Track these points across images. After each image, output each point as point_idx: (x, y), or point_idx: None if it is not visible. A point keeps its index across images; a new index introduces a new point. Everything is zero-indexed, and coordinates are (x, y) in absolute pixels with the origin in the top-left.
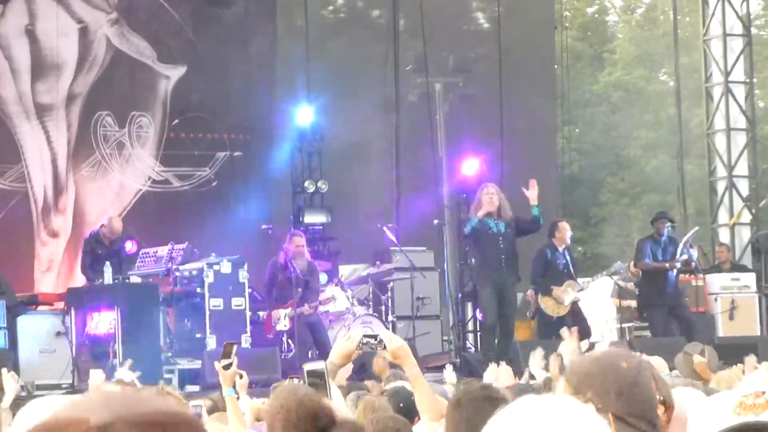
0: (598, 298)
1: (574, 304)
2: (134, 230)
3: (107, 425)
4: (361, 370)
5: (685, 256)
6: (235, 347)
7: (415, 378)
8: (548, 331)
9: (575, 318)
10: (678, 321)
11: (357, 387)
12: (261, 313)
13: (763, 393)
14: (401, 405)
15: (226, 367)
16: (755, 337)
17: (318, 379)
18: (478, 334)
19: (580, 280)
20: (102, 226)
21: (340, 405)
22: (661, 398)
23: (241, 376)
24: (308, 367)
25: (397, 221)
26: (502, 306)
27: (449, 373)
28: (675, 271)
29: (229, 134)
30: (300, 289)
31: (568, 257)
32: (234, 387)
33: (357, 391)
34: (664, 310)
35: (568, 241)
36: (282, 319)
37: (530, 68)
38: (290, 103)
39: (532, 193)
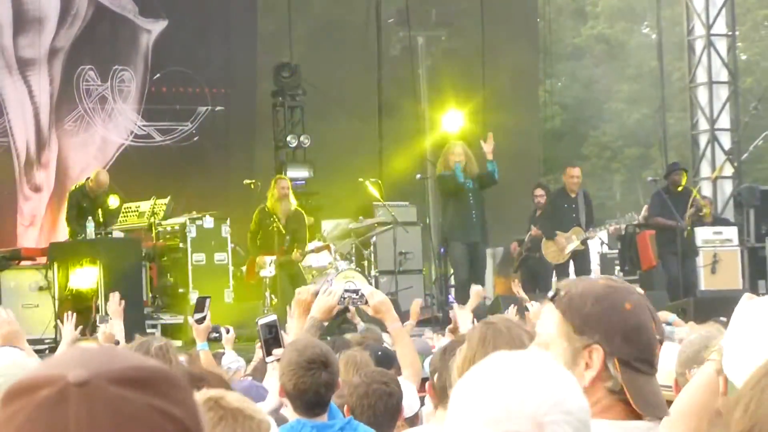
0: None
1: (578, 253)
2: (117, 185)
3: (85, 382)
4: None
5: (693, 209)
6: (207, 301)
7: (397, 333)
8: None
9: (576, 266)
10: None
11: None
12: (243, 268)
13: None
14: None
15: (200, 322)
16: (737, 290)
17: (271, 332)
18: None
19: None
20: (88, 179)
21: None
22: (660, 339)
23: (228, 331)
24: (262, 320)
25: (379, 175)
26: (474, 260)
27: None
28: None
29: (210, 89)
30: (288, 237)
31: (580, 204)
32: (208, 341)
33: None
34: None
35: (574, 186)
36: (267, 265)
37: (513, 22)
38: (272, 57)
39: (487, 147)
